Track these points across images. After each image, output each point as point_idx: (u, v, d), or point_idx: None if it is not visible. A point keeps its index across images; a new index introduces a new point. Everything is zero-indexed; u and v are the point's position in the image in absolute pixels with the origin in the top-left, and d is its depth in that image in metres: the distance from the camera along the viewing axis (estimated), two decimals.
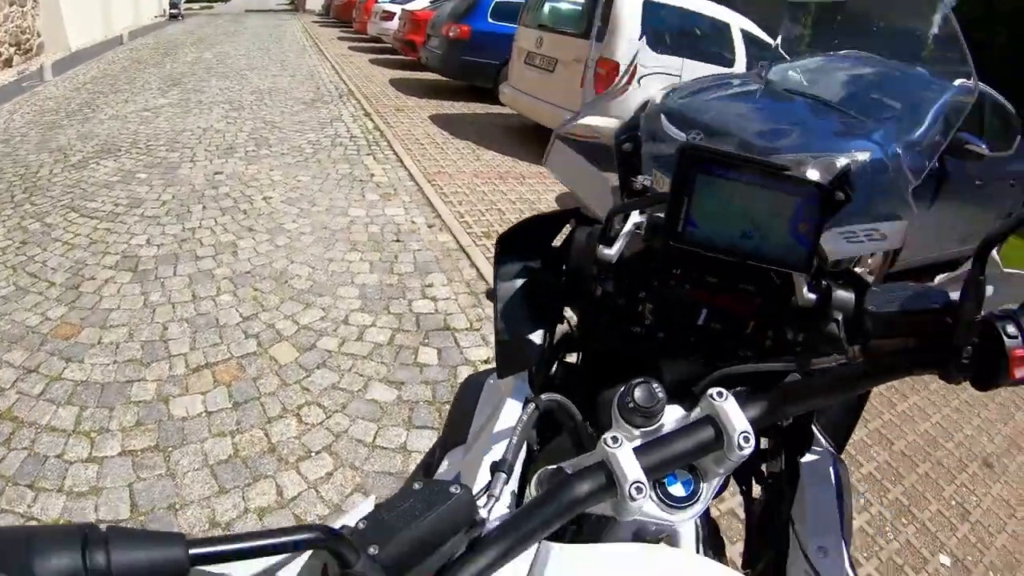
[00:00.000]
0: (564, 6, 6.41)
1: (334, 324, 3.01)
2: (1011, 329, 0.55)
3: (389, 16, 12.28)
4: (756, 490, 0.86)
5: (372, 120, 7.10)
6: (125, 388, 2.48)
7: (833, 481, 0.75)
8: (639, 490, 0.49)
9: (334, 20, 19.94)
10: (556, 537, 0.53)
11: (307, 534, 0.37)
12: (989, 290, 0.57)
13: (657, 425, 0.56)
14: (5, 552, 0.29)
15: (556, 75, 6.11)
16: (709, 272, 0.72)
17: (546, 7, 6.51)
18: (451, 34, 8.16)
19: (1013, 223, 0.56)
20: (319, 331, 2.95)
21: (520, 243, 0.78)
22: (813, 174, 0.66)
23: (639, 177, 0.79)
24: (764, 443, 0.80)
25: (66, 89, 8.12)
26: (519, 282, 0.78)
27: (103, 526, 0.32)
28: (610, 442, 0.51)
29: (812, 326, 0.69)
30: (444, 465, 0.75)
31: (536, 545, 0.50)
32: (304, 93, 8.30)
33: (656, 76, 1.12)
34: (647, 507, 0.55)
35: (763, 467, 0.82)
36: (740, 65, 3.57)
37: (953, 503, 2.63)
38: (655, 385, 0.56)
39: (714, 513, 2.46)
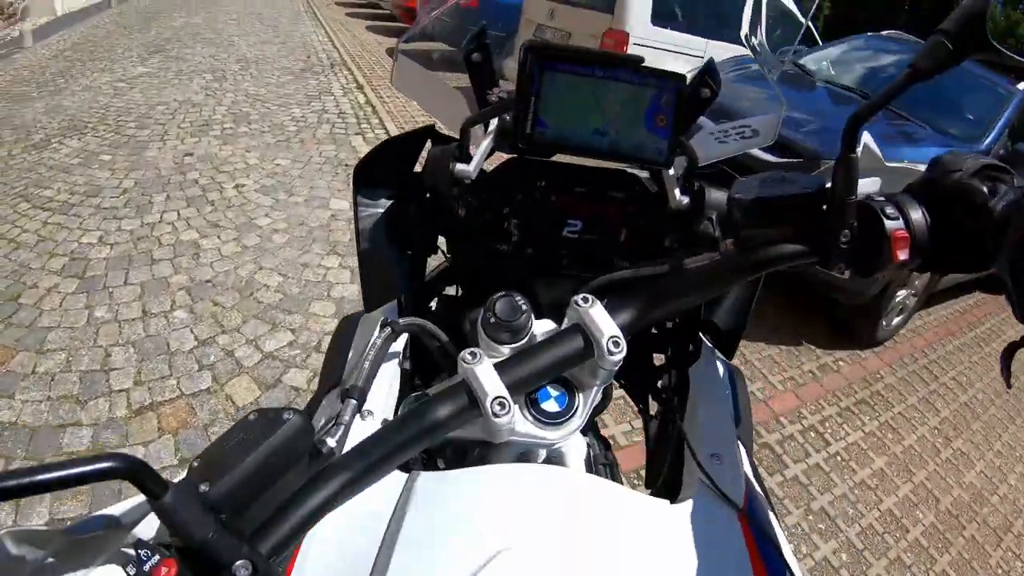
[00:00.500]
0: None
1: (304, 352, 2.65)
2: (890, 210, 0.53)
3: None
4: (653, 407, 0.83)
5: (364, 93, 6.61)
6: (57, 435, 2.13)
7: (727, 388, 0.73)
8: (502, 406, 0.48)
9: None
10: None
11: (107, 463, 0.34)
12: (875, 183, 0.81)
13: (525, 341, 0.55)
14: None
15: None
16: (576, 182, 0.71)
17: None
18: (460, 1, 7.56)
19: (881, 98, 0.53)
20: (286, 361, 2.59)
21: (379, 171, 0.75)
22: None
23: (494, 89, 0.73)
24: (659, 360, 0.77)
25: (43, 56, 7.64)
26: (380, 211, 0.75)
27: None
28: (468, 358, 0.49)
29: (687, 228, 0.69)
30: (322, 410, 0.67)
31: (406, 476, 0.51)
32: (294, 62, 7.78)
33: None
34: (520, 426, 0.55)
35: (659, 384, 0.79)
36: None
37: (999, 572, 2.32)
38: (518, 298, 0.56)
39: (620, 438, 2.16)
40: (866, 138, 0.80)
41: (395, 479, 0.52)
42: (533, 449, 0.59)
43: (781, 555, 0.53)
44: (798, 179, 0.57)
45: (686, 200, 0.71)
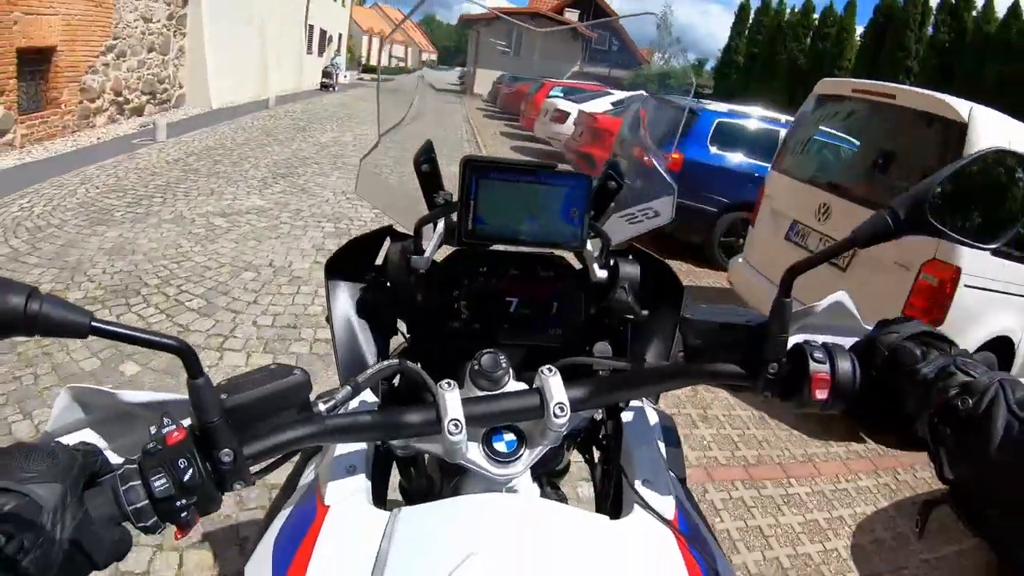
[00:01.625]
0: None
1: None
2: (818, 355, 0.60)
3: (561, 117, 10.12)
4: (598, 456, 0.89)
5: None
6: None
7: (658, 429, 0.83)
8: (456, 427, 0.58)
9: (500, 111, 17.90)
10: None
11: (171, 341, 0.47)
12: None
13: (500, 391, 0.66)
14: None
15: (851, 276, 3.33)
16: (512, 266, 0.85)
17: (844, 152, 3.93)
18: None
19: (819, 256, 0.59)
20: None
21: (346, 265, 0.85)
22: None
23: (440, 192, 0.84)
24: (599, 415, 0.83)
25: (164, 159, 6.58)
26: (350, 301, 0.85)
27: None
28: (444, 386, 0.60)
29: (606, 298, 0.83)
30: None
31: (389, 513, 0.60)
32: None
33: None
34: (472, 454, 0.64)
35: (601, 437, 0.85)
36: None
37: None
38: (501, 356, 0.67)
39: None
40: (844, 298, 0.75)
41: (381, 518, 0.60)
42: (494, 488, 0.66)
43: (712, 559, 0.62)
44: (745, 314, 0.65)
45: (604, 274, 0.84)
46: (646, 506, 0.65)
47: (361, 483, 0.66)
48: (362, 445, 0.70)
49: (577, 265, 0.88)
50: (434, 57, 63.28)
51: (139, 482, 0.48)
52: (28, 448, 0.45)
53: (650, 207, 0.93)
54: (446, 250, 0.86)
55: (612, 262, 0.84)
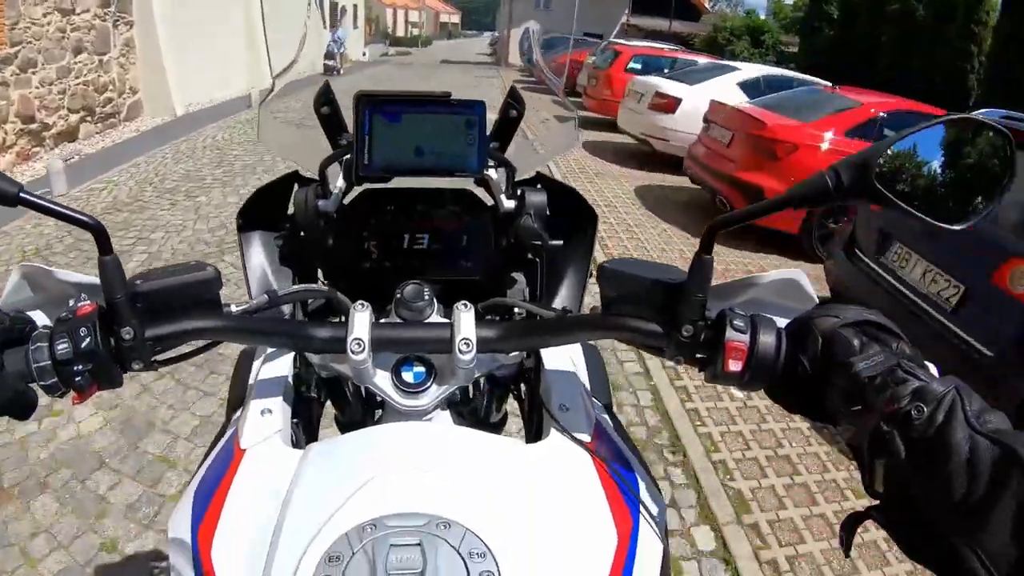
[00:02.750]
0: None
1: None
2: (739, 323, 0.55)
3: (668, 105, 6.78)
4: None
5: None
6: None
7: (580, 359, 0.81)
8: (359, 345, 0.58)
9: (537, 83, 13.81)
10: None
11: (86, 218, 0.51)
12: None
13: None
14: None
15: None
16: (418, 202, 0.85)
17: None
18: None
19: (746, 213, 0.55)
20: None
21: (256, 215, 0.83)
22: None
23: (344, 134, 0.84)
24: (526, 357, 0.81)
25: (13, 246, 3.92)
26: (263, 251, 0.83)
27: None
28: (358, 307, 0.60)
29: (513, 226, 0.81)
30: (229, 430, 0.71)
31: (301, 452, 0.59)
32: None
33: None
34: (379, 380, 0.64)
35: (524, 370, 0.84)
36: None
37: None
38: (425, 288, 0.67)
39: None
40: (800, 276, 0.62)
41: (294, 457, 0.59)
42: (411, 419, 0.66)
43: (633, 474, 0.62)
44: (668, 270, 0.62)
45: (512, 204, 0.82)
46: (562, 429, 0.65)
47: (277, 425, 0.65)
48: (280, 388, 0.70)
49: (488, 201, 0.87)
50: (456, 19, 54.40)
51: (46, 344, 0.52)
52: None
53: (554, 134, 0.98)
54: (358, 193, 0.86)
55: (519, 191, 0.82)
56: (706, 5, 28.35)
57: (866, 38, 14.02)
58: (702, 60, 9.78)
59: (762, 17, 26.50)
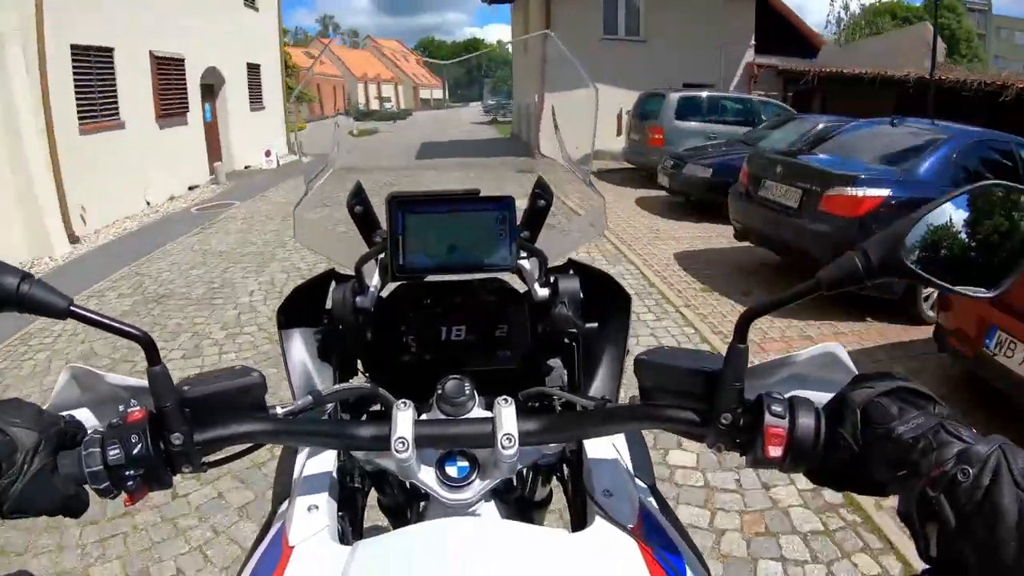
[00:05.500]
0: None
1: None
2: (777, 408, 0.56)
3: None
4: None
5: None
6: None
7: (612, 439, 0.80)
8: (403, 444, 0.60)
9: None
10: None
11: (135, 331, 0.55)
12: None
13: (461, 417, 0.67)
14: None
15: None
16: (453, 294, 0.86)
17: None
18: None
19: (778, 300, 0.56)
20: None
21: (296, 313, 0.86)
22: None
23: (377, 231, 0.86)
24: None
25: None
26: (304, 347, 0.86)
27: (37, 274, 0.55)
28: (400, 405, 0.62)
29: (548, 315, 0.82)
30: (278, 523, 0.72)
31: (349, 548, 0.60)
32: None
33: None
34: (424, 475, 0.65)
35: (566, 453, 0.84)
36: None
37: None
38: (466, 383, 0.68)
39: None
40: (837, 349, 0.62)
41: (342, 554, 0.60)
42: (456, 514, 0.67)
43: (680, 559, 0.61)
44: (704, 358, 0.62)
45: (545, 292, 0.84)
46: (607, 517, 0.65)
47: (324, 520, 0.67)
48: (326, 483, 0.72)
49: (521, 287, 0.89)
50: (438, 93, 42.49)
51: (98, 450, 0.54)
52: (23, 402, 0.56)
53: (582, 220, 0.97)
54: (393, 287, 0.87)
55: (552, 279, 0.84)
56: (821, 36, 20.07)
57: None
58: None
59: None
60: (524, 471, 0.84)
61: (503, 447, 0.60)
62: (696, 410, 0.60)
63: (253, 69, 13.33)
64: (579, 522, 0.76)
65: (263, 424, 0.61)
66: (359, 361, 0.89)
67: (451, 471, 0.65)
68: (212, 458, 0.61)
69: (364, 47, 54.84)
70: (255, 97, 13.52)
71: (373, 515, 0.91)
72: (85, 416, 0.63)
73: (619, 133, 11.43)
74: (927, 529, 0.46)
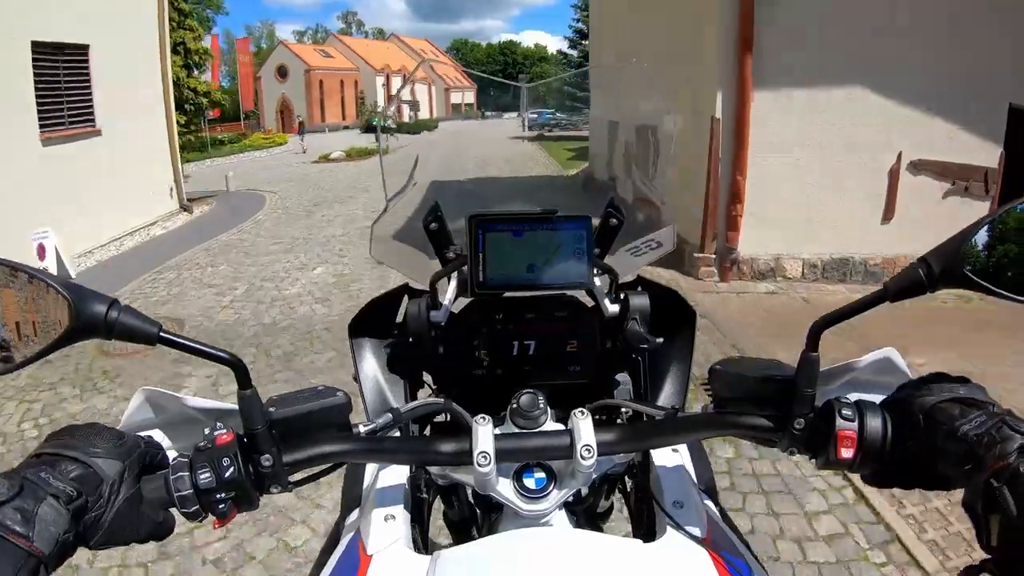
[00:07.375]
0: None
1: None
2: (847, 412, 0.59)
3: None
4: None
5: None
6: None
7: (685, 451, 0.85)
8: (485, 459, 0.61)
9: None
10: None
11: (226, 355, 0.55)
12: (874, 399, 0.61)
13: (537, 430, 0.68)
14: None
15: None
16: (526, 310, 0.87)
17: None
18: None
19: (847, 310, 0.57)
20: None
21: (368, 325, 0.89)
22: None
23: (451, 247, 0.89)
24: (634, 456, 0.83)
25: None
26: (375, 359, 0.88)
27: (124, 302, 0.51)
28: (480, 420, 0.64)
29: (619, 331, 0.84)
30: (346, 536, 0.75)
31: (429, 558, 0.61)
32: None
33: None
34: (502, 487, 0.67)
35: (631, 464, 0.85)
36: None
37: None
38: (540, 396, 0.69)
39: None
40: (893, 354, 0.65)
41: (422, 563, 0.61)
42: (528, 524, 0.68)
43: (748, 568, 0.62)
44: (775, 367, 0.65)
45: (615, 308, 0.86)
46: (678, 527, 0.66)
47: (401, 530, 0.68)
48: (400, 494, 0.74)
49: (589, 302, 0.90)
50: (471, 97, 39.06)
51: (187, 473, 0.55)
52: (101, 428, 0.55)
53: (653, 238, 0.97)
54: (463, 302, 0.89)
55: (622, 295, 0.86)
56: None
57: None
58: None
59: None
60: (595, 481, 0.85)
61: (582, 458, 0.62)
62: (769, 416, 0.63)
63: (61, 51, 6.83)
64: (645, 530, 0.78)
65: (349, 444, 0.63)
66: (427, 374, 0.91)
67: (528, 483, 0.67)
68: (298, 476, 0.62)
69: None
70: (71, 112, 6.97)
71: (437, 530, 0.93)
72: (160, 438, 0.63)
73: (887, 217, 5.72)
74: (990, 519, 0.48)
